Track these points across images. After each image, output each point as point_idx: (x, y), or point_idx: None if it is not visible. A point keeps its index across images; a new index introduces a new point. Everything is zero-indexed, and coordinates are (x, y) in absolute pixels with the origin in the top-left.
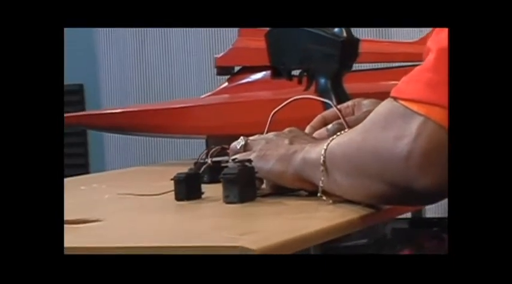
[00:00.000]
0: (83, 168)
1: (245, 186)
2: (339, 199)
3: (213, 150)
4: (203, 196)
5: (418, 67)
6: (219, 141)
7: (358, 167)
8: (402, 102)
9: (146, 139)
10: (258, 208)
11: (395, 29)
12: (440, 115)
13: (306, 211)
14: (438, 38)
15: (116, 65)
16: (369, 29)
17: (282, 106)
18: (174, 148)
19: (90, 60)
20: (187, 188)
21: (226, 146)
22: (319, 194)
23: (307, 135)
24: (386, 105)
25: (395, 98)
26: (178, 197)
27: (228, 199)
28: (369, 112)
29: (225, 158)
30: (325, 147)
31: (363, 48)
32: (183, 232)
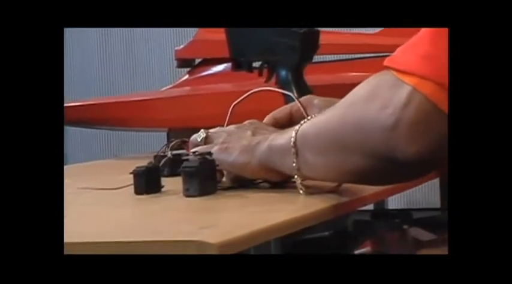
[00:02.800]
0: None
1: (205, 179)
2: (310, 189)
3: (173, 143)
4: (163, 189)
5: (416, 36)
6: (180, 134)
7: (336, 142)
8: (394, 72)
9: (108, 133)
10: (219, 201)
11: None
12: (431, 90)
13: (267, 203)
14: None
15: (78, 57)
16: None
17: (242, 99)
18: (137, 141)
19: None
20: (147, 182)
21: (187, 139)
22: (295, 177)
23: (268, 126)
24: (375, 77)
25: (388, 67)
26: (138, 191)
27: (188, 193)
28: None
29: (186, 151)
30: (296, 129)
31: (323, 39)
32: (141, 227)
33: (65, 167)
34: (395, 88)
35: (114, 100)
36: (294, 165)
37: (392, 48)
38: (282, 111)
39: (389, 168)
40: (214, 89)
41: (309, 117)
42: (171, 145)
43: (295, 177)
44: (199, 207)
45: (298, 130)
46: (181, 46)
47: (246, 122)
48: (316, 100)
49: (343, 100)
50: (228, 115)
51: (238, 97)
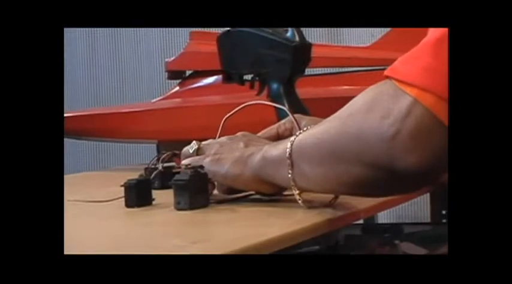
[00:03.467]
0: None
1: (197, 192)
2: (308, 202)
3: (164, 155)
4: (154, 202)
5: (417, 47)
6: (170, 146)
7: (334, 153)
8: (395, 82)
9: (97, 144)
10: (210, 215)
11: (347, 33)
12: (432, 102)
13: (259, 218)
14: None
15: (66, 68)
16: (321, 33)
17: (235, 112)
18: (125, 153)
19: None
20: (138, 194)
21: (178, 152)
22: (293, 189)
23: (261, 138)
24: (375, 88)
25: (388, 77)
26: (129, 204)
27: (179, 206)
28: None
29: (176, 164)
30: (292, 140)
31: (315, 52)
32: (131, 240)
33: None
34: (396, 99)
35: (103, 111)
36: (289, 176)
37: (383, 62)
38: (269, 132)
39: (388, 178)
40: (205, 101)
41: (305, 128)
42: (161, 157)
43: (293, 189)
44: (191, 220)
45: (294, 141)
46: (172, 58)
47: (238, 134)
48: (304, 121)
49: (341, 110)
50: (220, 128)
51: (230, 110)
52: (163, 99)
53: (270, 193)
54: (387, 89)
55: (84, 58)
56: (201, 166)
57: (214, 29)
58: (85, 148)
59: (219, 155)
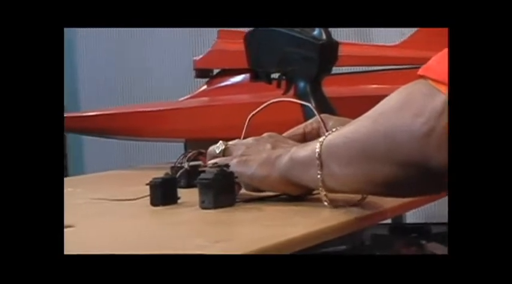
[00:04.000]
0: None
1: (221, 191)
2: (335, 201)
3: (190, 154)
4: (179, 201)
5: None
6: (197, 145)
7: (364, 152)
8: (430, 81)
9: (127, 142)
10: (234, 214)
11: (376, 32)
12: None
13: (284, 217)
14: None
15: (94, 66)
16: (349, 32)
17: (260, 110)
18: (155, 152)
19: (68, 62)
20: (163, 193)
21: (204, 150)
22: (320, 189)
23: (287, 139)
24: (408, 87)
25: (422, 76)
26: (154, 202)
27: (203, 205)
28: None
29: (202, 163)
30: (321, 141)
31: (343, 51)
32: (155, 239)
33: (79, 177)
34: (430, 97)
35: (130, 110)
36: (318, 176)
37: (412, 61)
38: (295, 131)
39: (420, 177)
40: (232, 100)
41: (334, 129)
42: (187, 156)
43: (320, 189)
44: (214, 219)
45: (323, 141)
46: (200, 56)
47: (265, 135)
48: (331, 121)
49: (372, 110)
50: (245, 126)
51: (257, 108)
52: (191, 97)
53: (297, 194)
54: (421, 88)
55: (113, 57)
56: (227, 165)
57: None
58: (116, 146)
59: (246, 156)
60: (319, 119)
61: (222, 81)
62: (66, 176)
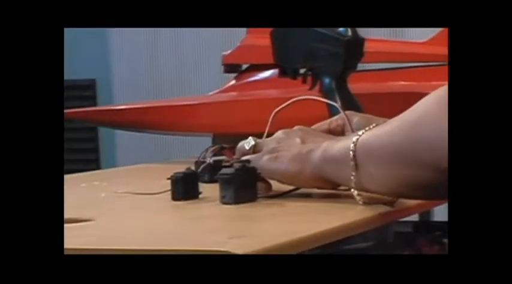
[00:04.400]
0: (93, 163)
1: (242, 186)
2: (368, 199)
3: (212, 149)
4: (201, 196)
5: None
6: (225, 139)
7: (404, 156)
8: None
9: (159, 136)
10: (254, 210)
11: (407, 28)
12: None
13: (304, 213)
14: None
15: (128, 60)
16: (379, 28)
17: (284, 107)
18: (185, 146)
19: (102, 56)
20: (184, 188)
21: (226, 145)
22: (352, 190)
23: (318, 132)
24: (446, 89)
25: None
26: (175, 197)
27: (224, 200)
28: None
29: (226, 158)
30: (354, 141)
31: (370, 47)
32: (172, 234)
33: (108, 170)
34: None
35: (158, 104)
36: (351, 178)
37: (438, 58)
38: (320, 127)
39: None
40: (260, 95)
41: (366, 128)
42: (209, 151)
43: (352, 189)
44: (234, 215)
45: (356, 142)
46: (229, 51)
47: (294, 128)
48: (356, 118)
49: (407, 112)
50: (269, 122)
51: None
52: (219, 92)
53: (329, 189)
54: None
55: (146, 51)
56: (248, 161)
57: None
58: (148, 140)
59: (276, 153)
60: (344, 116)
61: (251, 76)
62: (98, 169)
